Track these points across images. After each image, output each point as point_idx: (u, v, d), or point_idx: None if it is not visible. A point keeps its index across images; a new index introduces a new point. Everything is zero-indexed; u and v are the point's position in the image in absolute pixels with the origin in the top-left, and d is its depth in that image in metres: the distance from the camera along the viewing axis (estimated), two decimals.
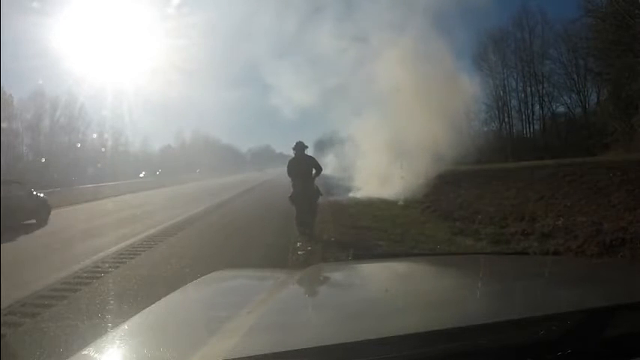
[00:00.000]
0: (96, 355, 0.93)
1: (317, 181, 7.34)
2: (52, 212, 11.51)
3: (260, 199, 15.37)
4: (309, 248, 5.98)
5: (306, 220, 6.98)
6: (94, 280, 4.79)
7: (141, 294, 4.13)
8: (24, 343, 3.10)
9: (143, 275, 4.97)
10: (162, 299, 1.31)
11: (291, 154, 7.30)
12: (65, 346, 2.90)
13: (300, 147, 7.20)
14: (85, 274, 5.09)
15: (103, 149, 36.77)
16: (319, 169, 7.19)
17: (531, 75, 25.20)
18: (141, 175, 34.65)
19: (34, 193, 11.23)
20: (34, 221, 10.40)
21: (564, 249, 5.29)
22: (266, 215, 10.10)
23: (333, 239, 6.59)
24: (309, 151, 7.70)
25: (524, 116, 26.10)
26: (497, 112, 26.02)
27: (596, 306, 0.95)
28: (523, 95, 25.89)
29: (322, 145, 27.69)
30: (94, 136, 36.71)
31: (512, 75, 26.04)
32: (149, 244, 6.99)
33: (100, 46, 32.38)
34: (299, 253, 5.77)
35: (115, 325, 1.12)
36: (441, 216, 8.66)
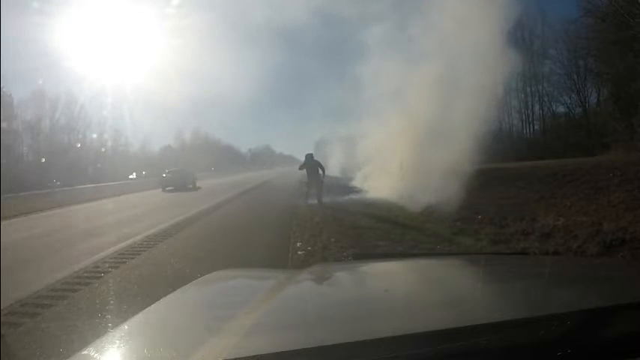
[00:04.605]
0: (96, 355, 0.93)
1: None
2: (52, 212, 11.57)
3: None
4: (309, 248, 5.98)
5: (312, 197, 12.06)
6: (94, 280, 4.79)
7: (141, 294, 4.13)
8: (24, 343, 3.10)
9: (143, 275, 4.98)
10: (162, 299, 1.31)
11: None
12: (65, 346, 2.90)
13: (309, 157, 12.51)
14: (85, 274, 5.09)
15: (103, 149, 36.84)
16: (323, 169, 12.52)
17: (531, 75, 25.14)
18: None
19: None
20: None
21: (564, 249, 5.29)
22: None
23: (333, 239, 6.59)
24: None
25: (524, 116, 26.04)
26: (497, 112, 25.93)
27: (596, 306, 0.94)
28: (523, 95, 25.85)
29: (322, 144, 28.00)
30: (94, 136, 36.81)
31: (512, 75, 25.95)
32: (149, 244, 6.99)
33: (100, 46, 32.41)
34: (299, 253, 5.78)
35: (115, 325, 1.12)
36: (441, 216, 8.66)
